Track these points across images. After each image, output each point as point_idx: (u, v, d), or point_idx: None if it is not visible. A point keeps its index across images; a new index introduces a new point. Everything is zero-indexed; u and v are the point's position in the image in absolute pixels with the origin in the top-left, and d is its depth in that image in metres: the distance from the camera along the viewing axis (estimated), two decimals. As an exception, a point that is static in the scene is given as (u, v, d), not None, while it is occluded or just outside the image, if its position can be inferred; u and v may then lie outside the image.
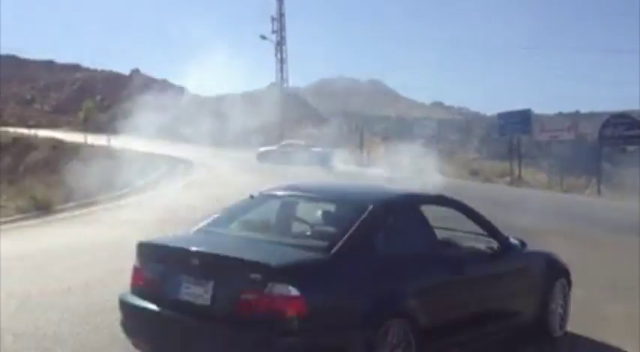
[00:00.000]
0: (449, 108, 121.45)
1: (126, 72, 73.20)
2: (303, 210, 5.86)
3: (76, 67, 76.93)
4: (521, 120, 33.76)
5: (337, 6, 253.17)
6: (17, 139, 41.05)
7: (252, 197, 5.96)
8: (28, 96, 68.19)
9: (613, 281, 9.27)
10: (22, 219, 14.71)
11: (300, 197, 5.89)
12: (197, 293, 4.57)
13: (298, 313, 4.24)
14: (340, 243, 4.75)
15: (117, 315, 6.61)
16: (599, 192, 29.26)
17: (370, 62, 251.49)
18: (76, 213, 16.14)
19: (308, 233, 5.39)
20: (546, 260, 6.67)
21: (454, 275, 5.43)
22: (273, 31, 52.13)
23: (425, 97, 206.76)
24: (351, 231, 4.87)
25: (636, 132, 30.48)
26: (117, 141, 34.18)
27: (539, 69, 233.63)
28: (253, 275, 4.30)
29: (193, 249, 4.79)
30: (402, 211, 5.58)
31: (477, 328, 5.68)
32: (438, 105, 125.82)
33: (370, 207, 5.13)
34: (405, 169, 33.82)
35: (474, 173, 34.01)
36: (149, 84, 56.17)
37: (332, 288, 4.57)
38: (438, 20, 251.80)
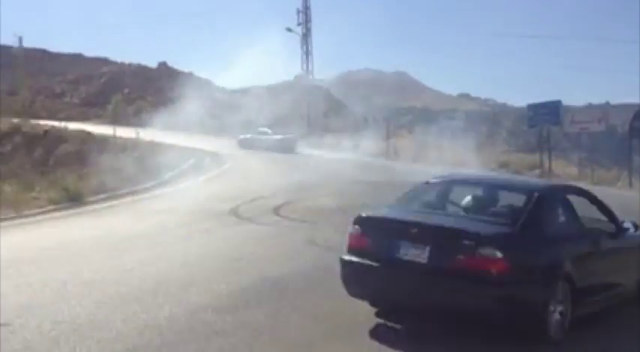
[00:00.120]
0: (475, 100, 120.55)
1: (153, 65, 73.91)
2: (473, 194, 7.08)
3: (104, 61, 77.69)
4: (551, 112, 33.22)
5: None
6: (48, 132, 41.62)
7: (427, 183, 7.40)
8: (58, 90, 68.99)
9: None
10: (54, 210, 14.95)
11: (471, 184, 7.61)
12: (415, 253, 5.93)
13: (501, 270, 5.58)
14: (521, 220, 6.11)
15: (148, 303, 6.81)
16: (630, 184, 28.79)
17: (396, 54, 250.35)
18: (107, 204, 16.38)
19: (491, 211, 6.55)
20: None
21: (593, 249, 6.73)
22: (299, 24, 52.11)
23: (451, 89, 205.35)
24: (527, 212, 6.25)
25: (668, 123, 29.87)
26: (145, 134, 34.47)
27: (567, 59, 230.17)
28: (467, 242, 5.69)
29: (411, 220, 6.30)
30: (557, 198, 6.84)
31: (603, 292, 6.80)
32: (465, 96, 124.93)
33: (536, 195, 6.50)
34: (430, 161, 33.80)
35: (503, 165, 33.65)
36: (176, 77, 56.61)
37: (521, 253, 5.87)
38: (464, 11, 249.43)
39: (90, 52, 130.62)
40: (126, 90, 60.69)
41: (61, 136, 39.90)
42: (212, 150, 31.12)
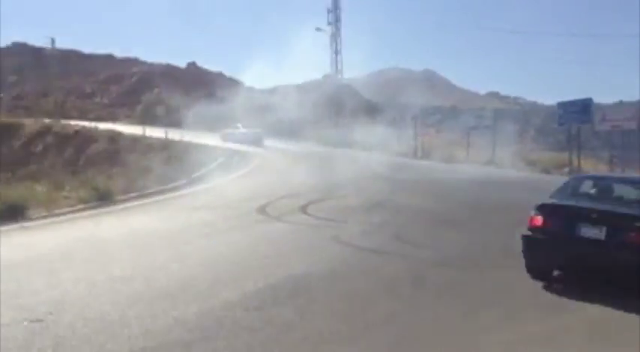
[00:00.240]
0: (504, 98, 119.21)
1: (182, 65, 74.51)
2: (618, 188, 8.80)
3: (134, 61, 78.57)
4: (581, 110, 32.78)
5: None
6: (78, 132, 42.23)
7: (575, 178, 9.63)
8: (89, 90, 69.98)
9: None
10: (85, 209, 15.14)
11: (614, 180, 9.53)
12: (594, 232, 7.55)
13: None
14: None
15: (177, 300, 6.86)
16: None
17: (424, 53, 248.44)
18: (137, 203, 16.57)
19: None
20: None
21: None
22: (329, 23, 52.22)
23: (480, 87, 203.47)
24: None
25: (702, 121, 29.24)
26: (174, 134, 34.77)
27: (597, 57, 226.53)
28: (637, 223, 7.31)
29: (588, 207, 8.00)
30: None
31: None
32: (494, 95, 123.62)
33: None
34: (458, 160, 33.54)
35: (531, 163, 33.23)
36: (205, 77, 57.02)
37: None
38: (493, 10, 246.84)
39: (121, 52, 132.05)
40: (155, 90, 61.32)
41: (91, 136, 40.49)
42: (240, 149, 31.30)
